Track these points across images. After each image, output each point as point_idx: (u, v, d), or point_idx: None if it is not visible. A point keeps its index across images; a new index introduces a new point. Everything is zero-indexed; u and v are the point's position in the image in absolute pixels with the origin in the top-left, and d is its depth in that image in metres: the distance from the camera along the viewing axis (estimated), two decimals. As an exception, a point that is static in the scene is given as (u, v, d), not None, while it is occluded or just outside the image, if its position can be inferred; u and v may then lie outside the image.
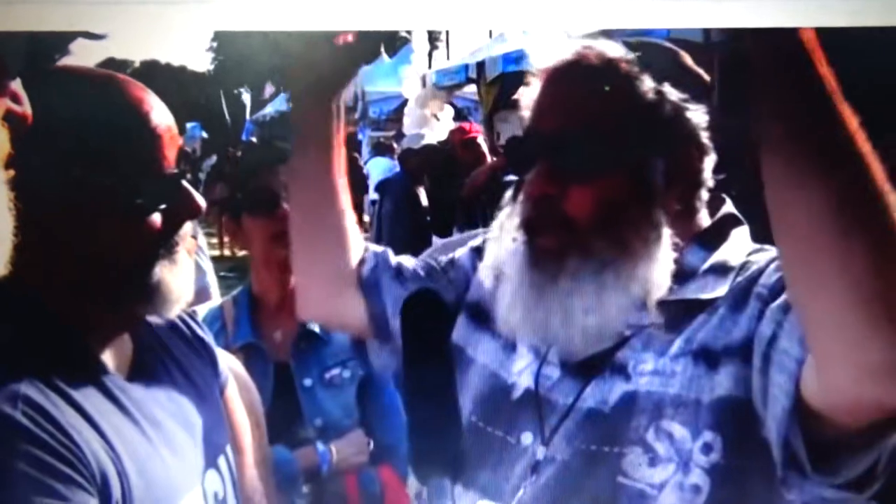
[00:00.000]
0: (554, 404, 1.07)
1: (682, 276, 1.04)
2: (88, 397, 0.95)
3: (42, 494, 0.86)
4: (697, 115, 1.05)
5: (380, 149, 9.92)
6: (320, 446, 1.76)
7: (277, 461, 1.68)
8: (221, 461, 1.12)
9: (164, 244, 1.01)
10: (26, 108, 0.73)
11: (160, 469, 0.99)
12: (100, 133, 0.97)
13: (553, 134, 1.04)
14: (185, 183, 1.04)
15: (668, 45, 1.12)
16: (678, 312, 1.03)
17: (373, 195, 7.49)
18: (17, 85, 0.72)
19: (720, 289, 1.03)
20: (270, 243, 1.77)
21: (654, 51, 1.08)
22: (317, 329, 1.79)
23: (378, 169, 8.89)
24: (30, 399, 0.89)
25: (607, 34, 1.04)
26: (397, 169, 6.63)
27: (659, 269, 1.01)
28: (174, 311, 1.05)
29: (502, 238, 1.10)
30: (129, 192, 0.98)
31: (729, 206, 1.12)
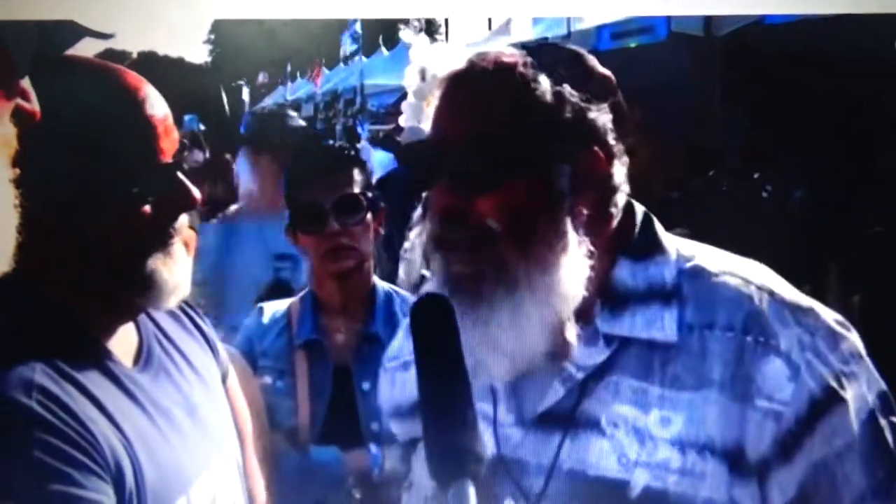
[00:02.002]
0: (524, 465, 1.00)
1: (619, 298, 1.00)
2: (99, 386, 0.96)
3: (58, 481, 0.87)
4: (601, 115, 0.99)
5: (385, 142, 9.82)
6: (373, 448, 1.74)
7: (327, 460, 1.69)
8: (227, 448, 1.13)
9: (158, 236, 1.01)
10: (34, 105, 0.73)
11: (170, 456, 0.99)
12: (95, 123, 0.97)
13: (450, 143, 0.99)
14: (180, 174, 1.03)
15: (570, 47, 1.07)
16: (634, 353, 0.98)
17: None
18: (25, 82, 0.73)
19: (668, 325, 0.98)
20: (324, 259, 1.78)
21: (555, 54, 1.03)
22: (379, 333, 1.78)
23: (378, 162, 8.81)
24: (44, 388, 0.90)
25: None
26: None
27: (569, 278, 0.96)
28: (171, 303, 1.05)
29: (415, 260, 1.06)
30: (123, 182, 0.98)
31: (640, 211, 1.06)
